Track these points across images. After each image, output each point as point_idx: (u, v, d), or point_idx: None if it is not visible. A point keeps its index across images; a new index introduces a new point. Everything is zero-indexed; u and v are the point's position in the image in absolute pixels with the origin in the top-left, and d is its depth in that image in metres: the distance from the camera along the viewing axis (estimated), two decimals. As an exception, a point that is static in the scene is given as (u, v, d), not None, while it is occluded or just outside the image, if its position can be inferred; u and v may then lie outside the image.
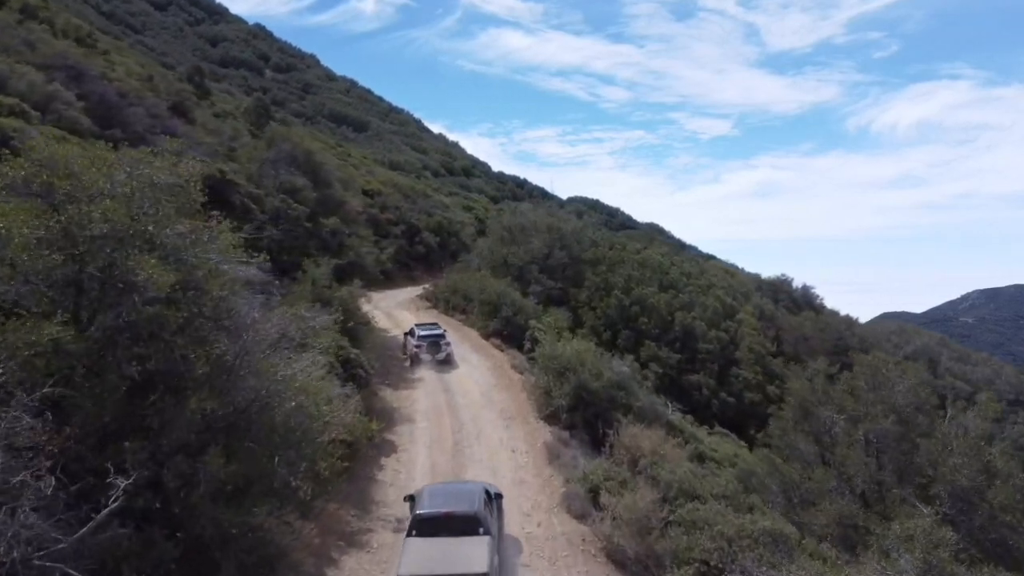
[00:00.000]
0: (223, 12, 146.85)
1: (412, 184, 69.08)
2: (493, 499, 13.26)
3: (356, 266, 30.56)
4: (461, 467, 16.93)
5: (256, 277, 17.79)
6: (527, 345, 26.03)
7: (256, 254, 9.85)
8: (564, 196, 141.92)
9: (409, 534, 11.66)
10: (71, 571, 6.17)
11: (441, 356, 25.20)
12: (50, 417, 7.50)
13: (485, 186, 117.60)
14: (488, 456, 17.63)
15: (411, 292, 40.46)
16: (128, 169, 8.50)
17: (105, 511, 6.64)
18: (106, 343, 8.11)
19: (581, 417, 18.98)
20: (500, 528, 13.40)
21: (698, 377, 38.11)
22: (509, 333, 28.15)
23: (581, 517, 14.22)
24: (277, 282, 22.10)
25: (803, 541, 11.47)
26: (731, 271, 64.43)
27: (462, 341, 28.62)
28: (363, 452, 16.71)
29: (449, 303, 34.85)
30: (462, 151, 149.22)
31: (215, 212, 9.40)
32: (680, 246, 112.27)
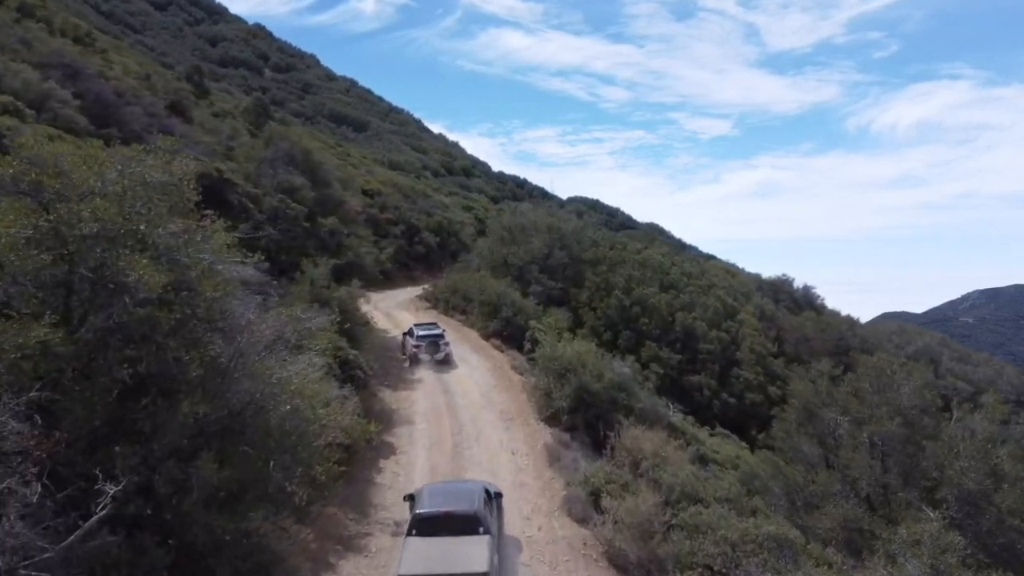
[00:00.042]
0: (223, 12, 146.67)
1: (412, 184, 68.89)
2: (493, 498, 13.20)
3: (355, 266, 30.37)
4: (461, 469, 16.75)
5: (253, 277, 17.65)
6: (527, 346, 25.85)
7: (251, 254, 9.65)
8: (564, 196, 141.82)
9: (409, 533, 11.63)
10: (58, 580, 5.98)
11: (440, 356, 25.11)
12: (39, 421, 7.33)
13: (485, 186, 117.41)
14: (488, 458, 17.45)
15: (411, 292, 40.27)
16: (119, 167, 8.30)
17: (93, 519, 6.45)
18: (97, 345, 7.92)
19: (582, 419, 18.79)
20: (500, 527, 13.33)
21: (699, 378, 37.90)
22: (509, 334, 27.97)
23: (582, 521, 14.04)
24: (275, 282, 21.93)
25: (808, 546, 11.28)
26: (732, 271, 64.22)
27: (462, 342, 28.44)
28: (361, 454, 16.54)
29: (449, 303, 34.67)
30: (462, 151, 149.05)
31: (209, 211, 9.19)
32: (680, 246, 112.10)
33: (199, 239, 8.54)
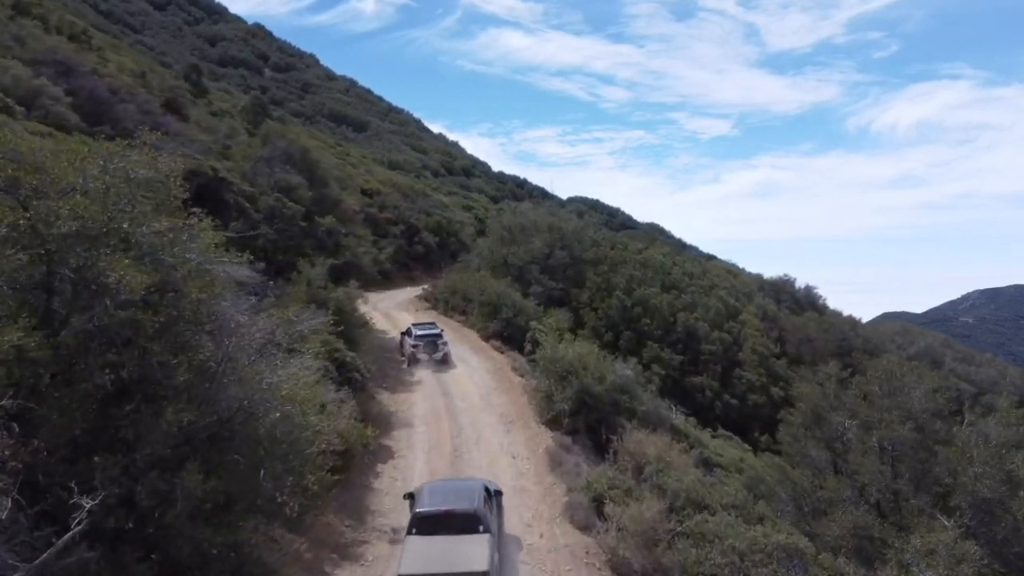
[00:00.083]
0: (222, 12, 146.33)
1: (411, 184, 68.50)
2: (493, 496, 13.05)
3: (353, 266, 30.02)
4: (460, 474, 16.39)
5: (249, 278, 17.27)
6: (528, 347, 25.51)
7: (240, 253, 9.27)
8: (564, 196, 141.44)
9: (409, 532, 11.53)
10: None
11: (438, 356, 24.87)
12: (17, 429, 6.96)
13: (485, 186, 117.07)
14: (488, 462, 17.09)
15: (410, 293, 39.94)
16: (102, 163, 7.92)
17: (68, 535, 6.07)
18: (77, 349, 7.55)
19: (583, 422, 18.42)
20: (500, 526, 13.15)
21: (701, 379, 37.59)
22: (509, 335, 27.63)
23: (585, 528, 13.65)
24: (271, 283, 21.57)
25: (819, 556, 10.91)
26: (733, 271, 63.86)
27: (462, 343, 28.10)
28: (358, 459, 16.17)
29: (448, 304, 34.35)
30: (462, 151, 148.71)
31: (196, 209, 8.82)
32: (681, 246, 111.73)
33: (185, 238, 8.15)
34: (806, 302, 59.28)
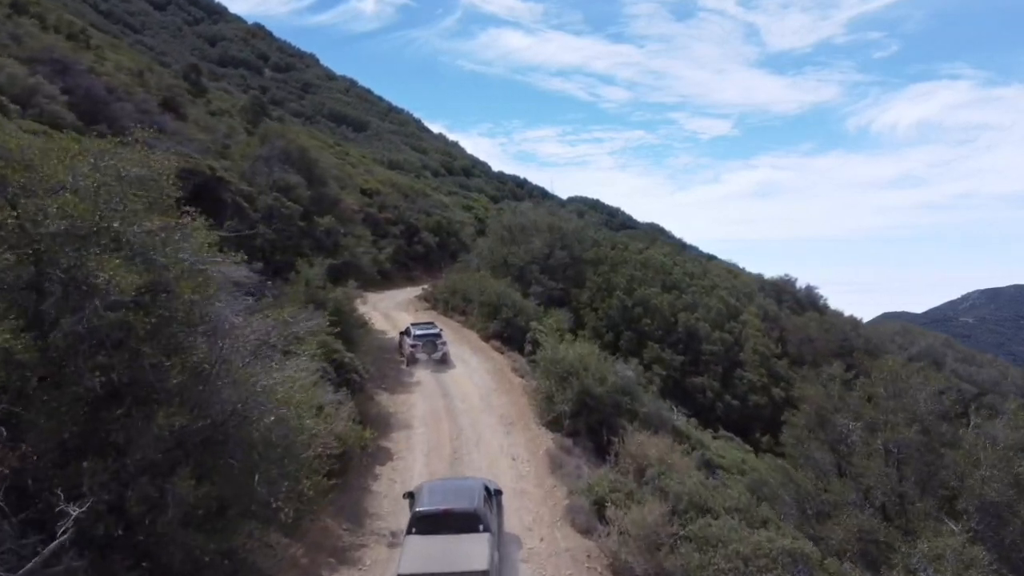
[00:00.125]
0: (222, 11, 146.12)
1: (411, 183, 68.30)
2: (492, 495, 12.98)
3: (351, 266, 29.82)
4: (460, 476, 16.24)
5: (247, 278, 17.07)
6: (528, 347, 25.33)
7: (235, 253, 9.08)
8: (564, 196, 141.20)
9: (408, 531, 11.46)
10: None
11: (437, 355, 24.74)
12: (4, 433, 6.78)
13: (485, 186, 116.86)
14: (488, 464, 16.90)
15: (410, 293, 39.76)
16: (92, 160, 7.74)
17: (54, 543, 5.89)
18: (67, 351, 7.37)
19: (584, 423, 18.22)
20: (500, 525, 13.06)
21: (702, 379, 37.38)
22: (509, 335, 27.44)
23: (586, 532, 13.45)
24: (269, 283, 21.39)
25: (825, 561, 10.72)
26: (734, 271, 63.65)
27: (461, 343, 27.92)
28: (357, 461, 15.99)
29: (448, 304, 34.16)
30: (462, 151, 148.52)
31: (189, 208, 8.63)
32: (681, 246, 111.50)
33: (178, 238, 7.97)
34: (807, 302, 59.03)
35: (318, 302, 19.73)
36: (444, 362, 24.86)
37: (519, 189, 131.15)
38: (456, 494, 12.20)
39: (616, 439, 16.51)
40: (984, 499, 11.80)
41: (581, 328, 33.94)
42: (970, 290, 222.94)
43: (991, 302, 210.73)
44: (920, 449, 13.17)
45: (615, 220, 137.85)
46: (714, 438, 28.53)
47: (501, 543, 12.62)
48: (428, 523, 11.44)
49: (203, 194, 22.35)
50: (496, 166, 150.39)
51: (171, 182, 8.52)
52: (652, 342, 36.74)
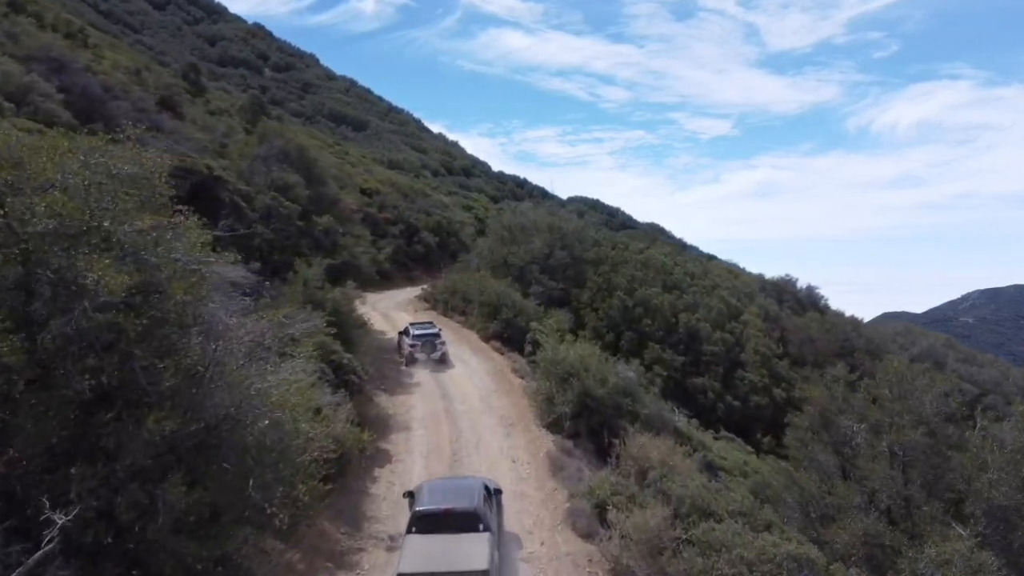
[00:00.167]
0: (222, 11, 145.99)
1: (411, 183, 68.12)
2: (492, 495, 12.96)
3: (350, 266, 29.64)
4: (459, 475, 16.08)
5: (245, 278, 16.87)
6: (528, 348, 25.15)
7: (228, 252, 8.90)
8: (564, 196, 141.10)
9: (408, 531, 11.43)
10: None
11: (436, 355, 24.62)
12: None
13: (485, 186, 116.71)
14: (488, 467, 16.73)
15: (409, 293, 39.61)
16: (82, 158, 7.55)
17: (39, 553, 5.70)
18: (55, 354, 7.18)
19: (585, 425, 18.04)
20: (500, 524, 13.01)
21: (703, 380, 37.21)
22: (509, 335, 27.26)
23: (587, 536, 13.28)
24: (267, 283, 21.21)
25: (831, 567, 10.53)
26: (734, 271, 63.47)
27: (461, 343, 27.76)
28: (355, 463, 15.81)
29: (448, 304, 34.00)
30: (462, 151, 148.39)
31: (182, 207, 8.44)
32: (681, 246, 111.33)
33: (170, 237, 7.78)
34: (808, 302, 58.83)
35: (316, 302, 19.54)
36: (443, 362, 24.76)
37: (519, 189, 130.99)
38: (456, 493, 12.19)
39: (617, 441, 16.33)
40: (992, 503, 11.61)
41: (581, 328, 33.77)
42: (970, 290, 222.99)
43: (991, 302, 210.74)
44: (926, 452, 12.99)
45: (615, 220, 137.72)
46: (715, 439, 28.38)
47: (501, 542, 12.58)
48: (428, 522, 11.42)
49: (200, 193, 22.19)
50: (496, 166, 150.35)
51: (164, 180, 8.32)
52: (653, 342, 36.57)
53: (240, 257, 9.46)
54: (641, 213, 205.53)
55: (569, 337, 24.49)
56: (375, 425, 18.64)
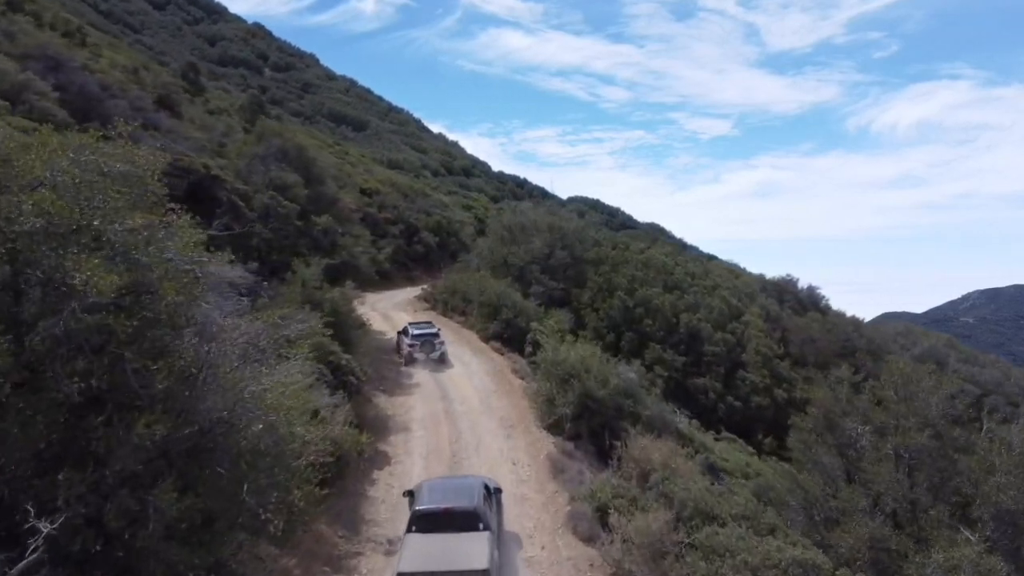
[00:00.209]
0: (222, 11, 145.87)
1: (411, 183, 67.93)
2: (492, 494, 12.92)
3: (349, 266, 29.44)
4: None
5: (242, 278, 16.67)
6: (528, 349, 24.97)
7: (222, 252, 8.71)
8: (564, 196, 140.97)
9: (408, 530, 11.39)
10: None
11: (435, 355, 24.47)
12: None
13: (485, 186, 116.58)
14: (488, 469, 16.53)
15: (409, 293, 39.44)
16: (71, 155, 7.37)
17: (22, 563, 5.52)
18: (44, 356, 6.99)
19: (586, 427, 17.86)
20: (500, 523, 12.96)
21: (704, 380, 37.03)
22: (510, 336, 27.08)
23: (588, 540, 13.08)
24: (265, 283, 21.02)
25: (837, 572, 10.34)
26: (735, 271, 63.27)
27: (461, 344, 27.58)
28: (353, 465, 15.62)
29: (448, 304, 33.82)
30: (462, 151, 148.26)
31: (175, 205, 8.26)
32: (682, 246, 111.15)
33: (161, 236, 7.59)
34: (809, 302, 58.61)
35: (315, 303, 19.35)
36: (442, 361, 24.62)
37: (519, 189, 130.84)
38: (456, 492, 12.16)
39: (619, 443, 16.15)
40: (1000, 507, 11.43)
41: (582, 329, 33.59)
42: (970, 290, 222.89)
43: (991, 302, 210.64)
44: (932, 455, 12.80)
45: (615, 220, 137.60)
46: (716, 440, 28.20)
47: (501, 542, 12.52)
48: (428, 521, 11.39)
49: (198, 193, 22.01)
50: (496, 166, 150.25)
51: (156, 178, 8.14)
52: (654, 343, 36.38)
53: (235, 257, 9.26)
54: (641, 213, 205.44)
55: (569, 337, 24.31)
56: (374, 426, 18.47)
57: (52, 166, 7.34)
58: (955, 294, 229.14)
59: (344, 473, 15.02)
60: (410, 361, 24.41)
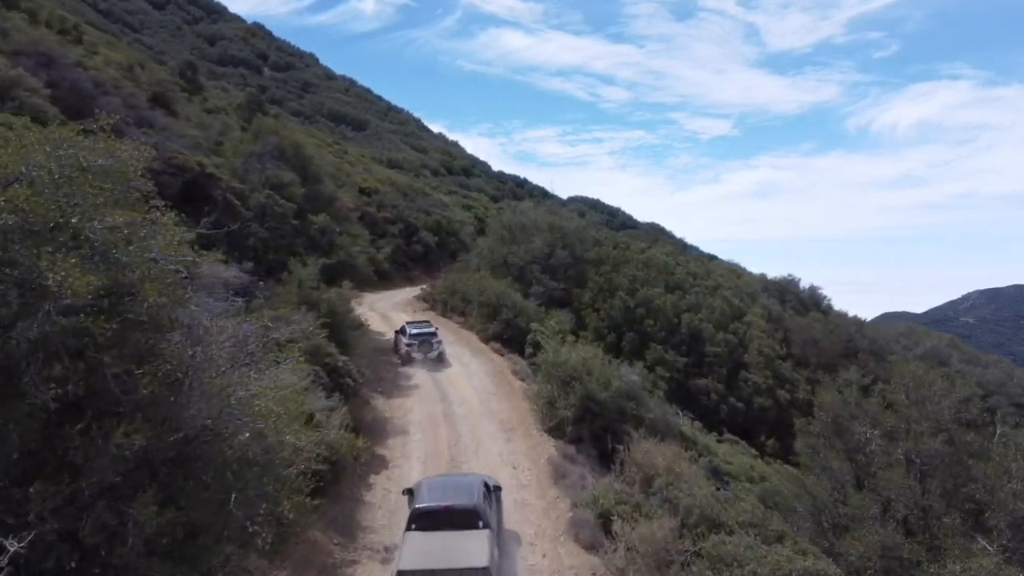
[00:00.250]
0: (221, 11, 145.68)
1: (411, 182, 67.57)
2: (492, 492, 12.83)
3: (347, 266, 29.09)
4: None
5: (237, 278, 16.31)
6: (529, 350, 24.63)
7: (207, 252, 8.35)
8: (564, 196, 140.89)
9: (408, 528, 11.45)
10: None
11: (433, 354, 24.19)
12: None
13: (485, 185, 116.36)
14: (487, 473, 16.16)
15: (409, 293, 39.15)
16: (48, 149, 7.00)
17: (-13, 584, 5.14)
18: (20, 361, 6.61)
19: (588, 430, 17.50)
20: (500, 521, 12.86)
21: (706, 381, 36.69)
22: (510, 336, 26.75)
23: (591, 548, 12.71)
24: (261, 283, 20.68)
25: (849, 583, 9.98)
26: (737, 271, 62.90)
27: (460, 344, 27.25)
28: (350, 469, 15.27)
29: (447, 305, 33.49)
30: (462, 151, 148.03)
31: (157, 202, 7.88)
32: (682, 246, 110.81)
33: (143, 234, 7.22)
34: (811, 302, 58.21)
35: (311, 303, 19.00)
36: (440, 361, 24.34)
37: (519, 189, 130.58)
38: (456, 490, 12.12)
39: (621, 447, 15.80)
40: (1016, 514, 11.06)
41: (583, 329, 33.29)
42: (970, 290, 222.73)
43: (991, 302, 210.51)
44: (945, 460, 12.43)
45: (615, 220, 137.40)
46: (718, 441, 27.87)
47: (501, 540, 12.39)
48: (428, 519, 11.34)
49: (192, 191, 21.65)
50: (496, 166, 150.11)
51: (140, 174, 7.75)
52: (655, 343, 36.05)
53: (230, 256, 8.90)
54: (641, 213, 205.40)
55: (570, 338, 23.98)
56: (371, 429, 18.13)
57: (28, 161, 6.96)
58: (955, 294, 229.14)
59: (340, 478, 14.68)
60: (408, 361, 24.12)
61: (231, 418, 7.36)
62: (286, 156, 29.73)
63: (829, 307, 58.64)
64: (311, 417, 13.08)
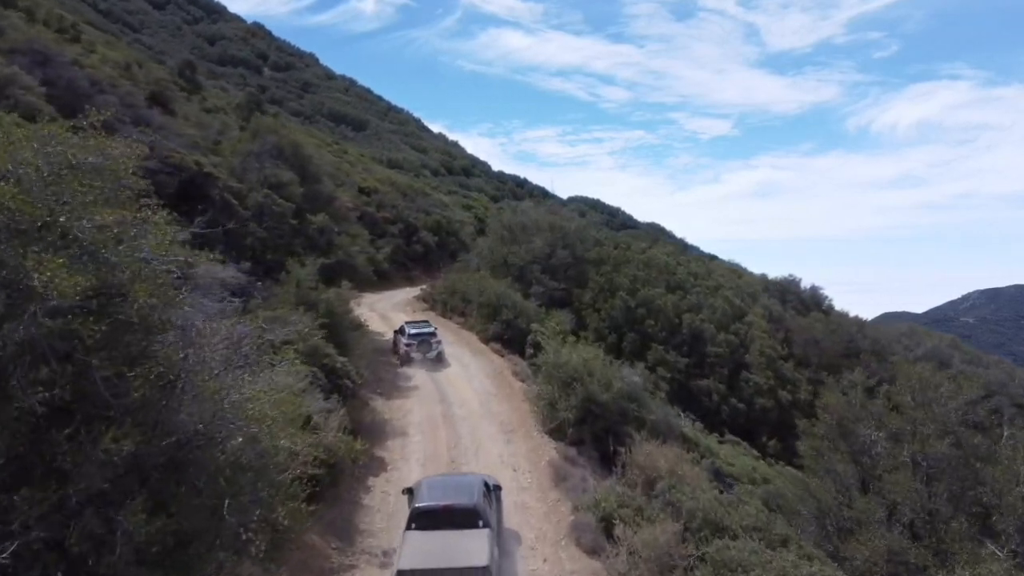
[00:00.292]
0: (221, 11, 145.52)
1: (410, 182, 67.39)
2: (492, 491, 12.78)
3: (346, 266, 28.89)
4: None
5: (234, 278, 16.12)
6: (529, 350, 24.44)
7: (202, 250, 8.16)
8: (564, 196, 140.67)
9: (408, 527, 11.40)
10: None
11: (432, 354, 24.02)
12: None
13: (485, 185, 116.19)
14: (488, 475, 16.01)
15: (408, 293, 38.95)
16: (36, 146, 6.81)
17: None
18: (6, 363, 6.43)
19: (589, 432, 17.31)
20: (499, 520, 12.81)
21: (707, 382, 36.49)
22: (510, 337, 26.56)
23: (592, 552, 12.52)
24: (259, 283, 20.48)
25: (857, 590, 9.79)
26: (738, 271, 62.72)
27: (460, 345, 27.06)
28: (348, 472, 15.08)
29: (447, 305, 33.30)
30: (462, 151, 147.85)
31: (150, 201, 7.69)
32: (683, 246, 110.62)
33: (134, 234, 7.03)
34: (812, 303, 58.01)
35: (309, 304, 18.80)
36: (439, 361, 24.18)
37: (519, 189, 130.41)
38: (456, 490, 12.09)
39: (623, 449, 15.62)
40: (1024, 519, 10.89)
41: (583, 329, 33.08)
42: (970, 290, 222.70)
43: (991, 302, 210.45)
44: (952, 463, 12.24)
45: (615, 220, 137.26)
46: (720, 442, 27.66)
47: (501, 539, 12.34)
48: (428, 519, 11.31)
49: (190, 191, 21.47)
50: (496, 166, 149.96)
51: (131, 171, 7.57)
52: (656, 344, 35.84)
53: (228, 256, 8.71)
54: (641, 213, 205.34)
55: (571, 339, 23.80)
56: (370, 431, 17.93)
57: (15, 158, 6.77)
58: (955, 294, 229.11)
59: (338, 481, 14.50)
60: (407, 361, 23.96)
61: (224, 422, 7.17)
62: (285, 155, 29.53)
63: (830, 307, 58.41)
64: (309, 419, 12.90)
